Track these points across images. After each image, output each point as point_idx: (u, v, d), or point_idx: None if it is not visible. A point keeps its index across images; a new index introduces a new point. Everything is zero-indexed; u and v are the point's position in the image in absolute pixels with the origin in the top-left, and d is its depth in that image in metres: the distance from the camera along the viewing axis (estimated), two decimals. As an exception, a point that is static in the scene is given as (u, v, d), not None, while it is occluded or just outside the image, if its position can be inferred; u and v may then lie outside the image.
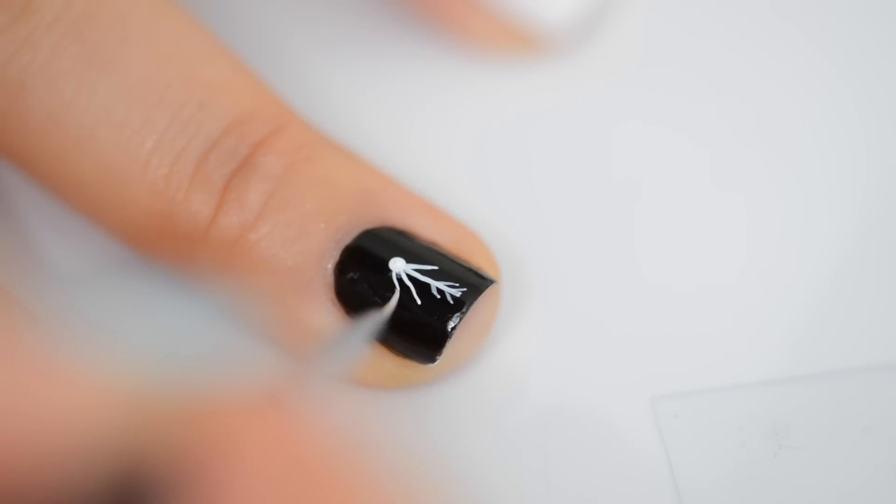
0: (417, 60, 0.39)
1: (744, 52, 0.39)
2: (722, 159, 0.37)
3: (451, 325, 0.32)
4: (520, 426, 0.33)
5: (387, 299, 0.32)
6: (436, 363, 0.32)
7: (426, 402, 0.34)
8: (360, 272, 0.32)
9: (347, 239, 0.33)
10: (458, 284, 0.33)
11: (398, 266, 0.33)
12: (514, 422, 0.33)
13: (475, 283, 0.33)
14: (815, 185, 0.37)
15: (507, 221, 0.36)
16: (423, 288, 0.32)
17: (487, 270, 0.33)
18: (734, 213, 0.36)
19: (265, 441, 0.21)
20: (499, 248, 0.34)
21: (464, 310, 0.32)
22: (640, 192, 0.37)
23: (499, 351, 0.35)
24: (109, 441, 0.20)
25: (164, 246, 0.33)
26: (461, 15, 0.38)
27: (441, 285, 0.32)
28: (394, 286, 0.32)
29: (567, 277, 0.35)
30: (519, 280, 0.35)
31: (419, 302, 0.32)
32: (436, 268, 0.33)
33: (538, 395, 0.34)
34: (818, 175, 0.37)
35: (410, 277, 0.32)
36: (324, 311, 0.33)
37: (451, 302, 0.32)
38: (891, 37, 0.39)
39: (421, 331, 0.32)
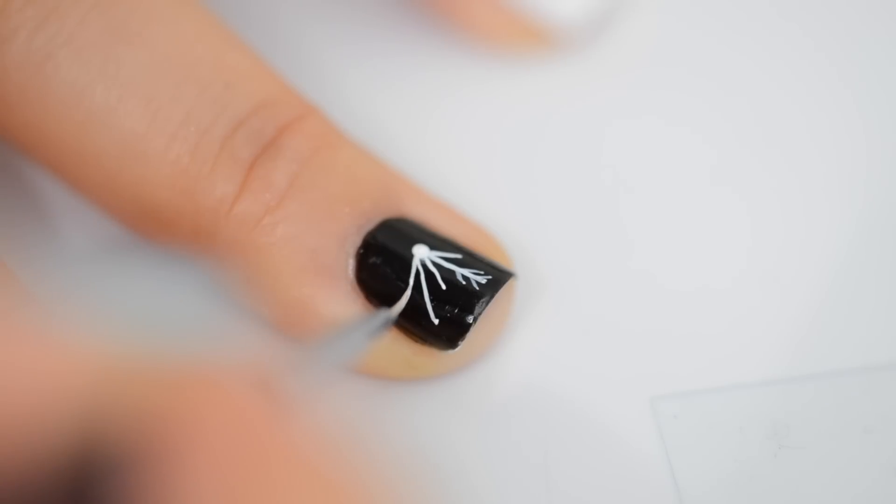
0: (429, 59, 0.39)
1: (766, 46, 0.39)
2: (727, 159, 0.37)
3: (477, 310, 0.32)
4: (520, 426, 0.33)
5: (409, 285, 0.32)
6: (455, 350, 0.32)
7: (426, 396, 0.34)
8: (383, 257, 0.32)
9: (370, 225, 0.33)
10: (482, 272, 0.33)
11: (422, 252, 0.32)
12: (514, 422, 0.33)
13: (496, 276, 0.33)
14: (817, 185, 0.37)
15: (514, 221, 0.36)
16: (447, 274, 0.32)
17: None
18: (736, 214, 0.36)
19: (230, 419, 0.20)
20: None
21: (489, 297, 0.32)
22: (640, 192, 0.37)
23: (499, 351, 0.34)
24: (75, 408, 0.19)
25: (182, 226, 0.32)
26: (473, 10, 0.38)
27: (466, 272, 0.32)
28: (416, 272, 0.32)
29: (569, 278, 0.35)
30: (524, 281, 0.35)
31: (444, 287, 0.32)
32: (459, 256, 0.33)
33: (539, 396, 0.34)
34: (819, 175, 0.37)
35: (435, 263, 0.32)
36: (343, 294, 0.32)
37: (477, 288, 0.32)
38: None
39: (446, 315, 0.32)
